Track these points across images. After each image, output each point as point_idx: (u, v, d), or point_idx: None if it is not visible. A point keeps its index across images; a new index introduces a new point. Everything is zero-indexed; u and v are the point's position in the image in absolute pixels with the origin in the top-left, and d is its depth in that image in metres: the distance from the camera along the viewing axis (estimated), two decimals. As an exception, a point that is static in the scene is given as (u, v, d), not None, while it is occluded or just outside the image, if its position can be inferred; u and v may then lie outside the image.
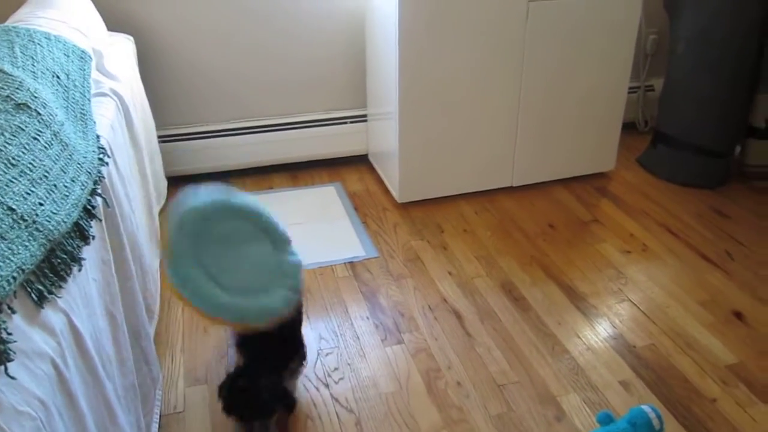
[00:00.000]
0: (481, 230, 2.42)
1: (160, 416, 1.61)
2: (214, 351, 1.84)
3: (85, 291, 1.11)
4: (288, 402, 1.56)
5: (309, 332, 1.91)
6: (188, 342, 1.88)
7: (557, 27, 2.41)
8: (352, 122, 2.83)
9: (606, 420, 1.32)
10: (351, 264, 2.22)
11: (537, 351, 1.83)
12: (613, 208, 2.56)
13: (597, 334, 1.90)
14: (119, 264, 1.40)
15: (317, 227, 2.44)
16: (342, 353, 1.83)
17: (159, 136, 2.46)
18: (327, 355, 1.82)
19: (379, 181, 2.77)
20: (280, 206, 2.58)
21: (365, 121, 2.84)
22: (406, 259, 2.25)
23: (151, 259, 1.88)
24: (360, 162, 2.93)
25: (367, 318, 1.97)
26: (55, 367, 0.89)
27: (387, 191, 2.68)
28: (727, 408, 1.64)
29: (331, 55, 2.73)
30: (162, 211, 2.31)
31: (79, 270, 1.09)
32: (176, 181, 2.67)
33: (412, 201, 2.59)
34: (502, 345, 1.86)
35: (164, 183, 2.42)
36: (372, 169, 2.88)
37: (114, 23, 2.37)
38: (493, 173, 2.63)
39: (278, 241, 1.47)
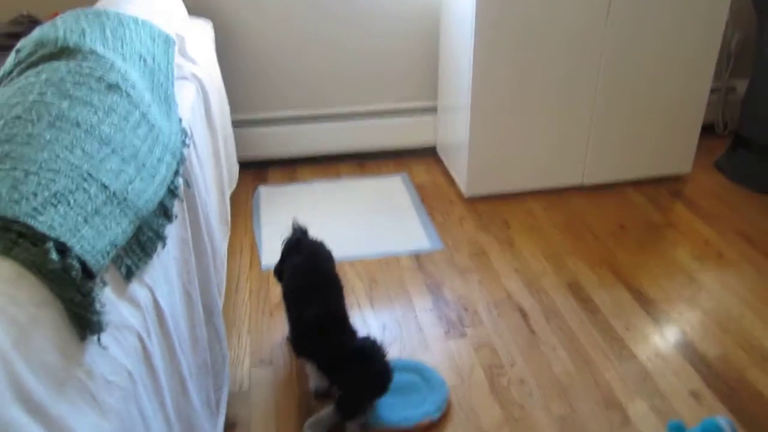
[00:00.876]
0: (548, 228, 2.38)
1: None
2: (280, 333, 1.87)
3: (166, 268, 1.15)
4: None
5: (372, 321, 1.92)
6: (254, 323, 1.92)
7: (638, 23, 2.34)
8: (421, 113, 2.82)
9: (677, 430, 1.28)
10: (416, 255, 2.23)
11: (603, 354, 1.80)
12: (688, 213, 2.48)
13: (667, 340, 1.85)
14: (196, 243, 1.44)
15: (383, 217, 2.45)
16: (405, 343, 1.83)
17: (232, 121, 2.51)
18: (390, 344, 1.83)
19: (446, 174, 2.76)
20: (347, 195, 2.60)
21: (435, 112, 2.83)
22: (471, 254, 2.23)
23: (221, 240, 1.92)
24: (427, 154, 2.92)
25: (431, 310, 1.97)
26: (141, 340, 0.92)
27: (454, 184, 2.67)
28: (805, 426, 1.58)
29: (404, 47, 2.73)
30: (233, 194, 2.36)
31: (163, 247, 1.12)
32: (247, 166, 2.73)
33: (479, 195, 2.57)
34: (567, 345, 1.83)
35: (236, 167, 2.47)
36: (439, 161, 2.87)
37: (194, 7, 2.43)
38: (563, 170, 2.58)
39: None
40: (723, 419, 1.27)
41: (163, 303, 1.07)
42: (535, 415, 1.61)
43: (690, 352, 1.81)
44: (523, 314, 1.95)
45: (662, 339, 1.85)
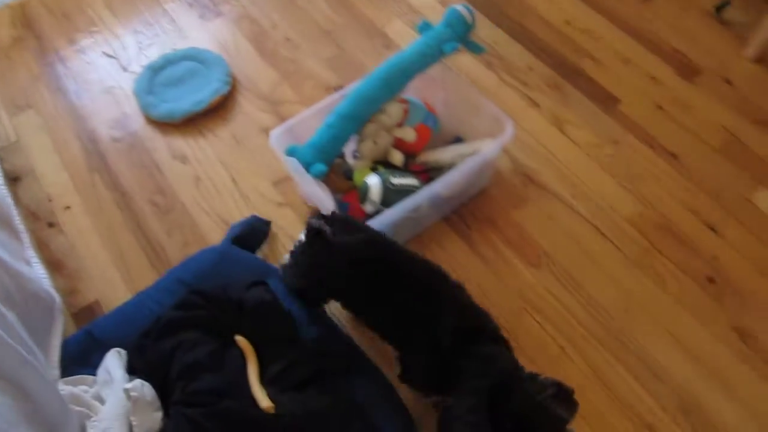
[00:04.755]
0: None
1: (-4, 152, 1.55)
2: (26, 74, 1.70)
3: None
4: None
5: (122, 31, 1.78)
6: (-7, 73, 1.73)
7: None
8: None
9: (426, 28, 1.39)
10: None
11: (358, -10, 1.83)
12: None
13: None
14: None
15: None
16: (164, 41, 1.75)
17: None
18: (149, 46, 1.74)
19: None
20: None
21: None
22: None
23: None
24: None
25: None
26: None
27: None
28: None
29: None
30: None
31: None
32: None
33: None
34: (322, -7, 1.84)
35: None
36: None
37: None
38: None
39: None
40: (459, 5, 1.38)
41: None
42: (307, 64, 1.67)
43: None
44: (272, -24, 1.89)
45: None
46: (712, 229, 1.39)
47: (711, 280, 1.32)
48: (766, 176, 1.47)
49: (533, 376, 0.96)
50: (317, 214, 1.10)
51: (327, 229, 1.04)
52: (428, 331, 1.01)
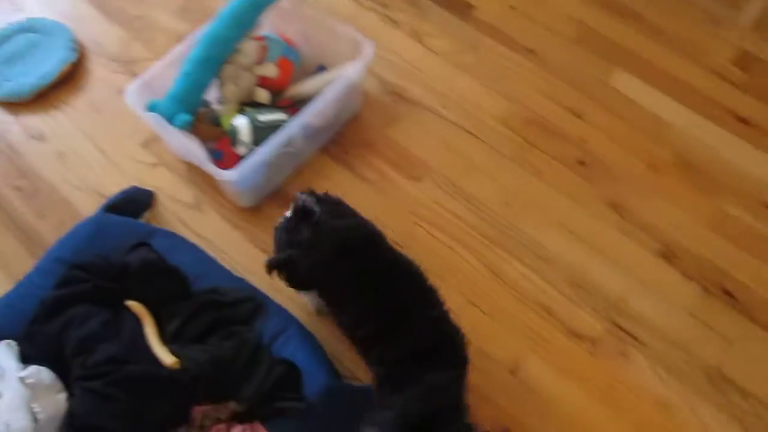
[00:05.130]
0: None
1: None
2: None
3: None
4: None
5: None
6: None
7: None
8: None
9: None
10: None
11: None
12: None
13: None
14: None
15: None
16: (-7, 16, 1.62)
17: None
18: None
19: None
20: None
21: None
22: None
23: None
24: None
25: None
26: None
27: None
28: None
29: None
30: None
31: None
32: None
33: None
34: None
35: None
36: None
37: None
38: None
39: None
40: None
41: None
42: (155, 18, 1.60)
43: None
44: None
45: None
46: (577, 115, 1.46)
47: (582, 163, 1.39)
48: (620, 58, 1.54)
49: (470, 427, 0.92)
50: (309, 192, 1.06)
51: (316, 209, 1.00)
52: (391, 340, 0.97)
